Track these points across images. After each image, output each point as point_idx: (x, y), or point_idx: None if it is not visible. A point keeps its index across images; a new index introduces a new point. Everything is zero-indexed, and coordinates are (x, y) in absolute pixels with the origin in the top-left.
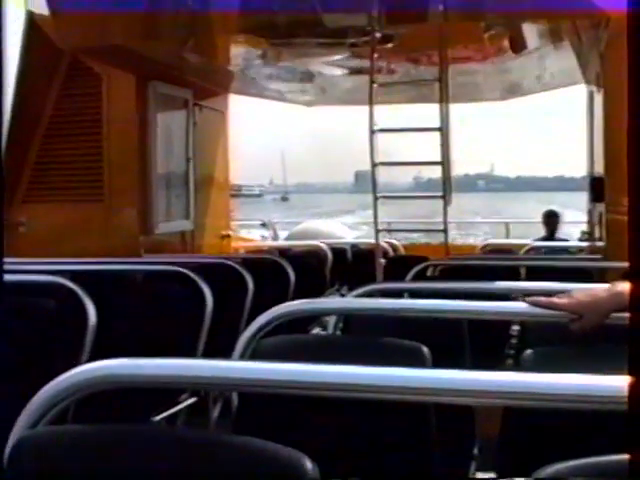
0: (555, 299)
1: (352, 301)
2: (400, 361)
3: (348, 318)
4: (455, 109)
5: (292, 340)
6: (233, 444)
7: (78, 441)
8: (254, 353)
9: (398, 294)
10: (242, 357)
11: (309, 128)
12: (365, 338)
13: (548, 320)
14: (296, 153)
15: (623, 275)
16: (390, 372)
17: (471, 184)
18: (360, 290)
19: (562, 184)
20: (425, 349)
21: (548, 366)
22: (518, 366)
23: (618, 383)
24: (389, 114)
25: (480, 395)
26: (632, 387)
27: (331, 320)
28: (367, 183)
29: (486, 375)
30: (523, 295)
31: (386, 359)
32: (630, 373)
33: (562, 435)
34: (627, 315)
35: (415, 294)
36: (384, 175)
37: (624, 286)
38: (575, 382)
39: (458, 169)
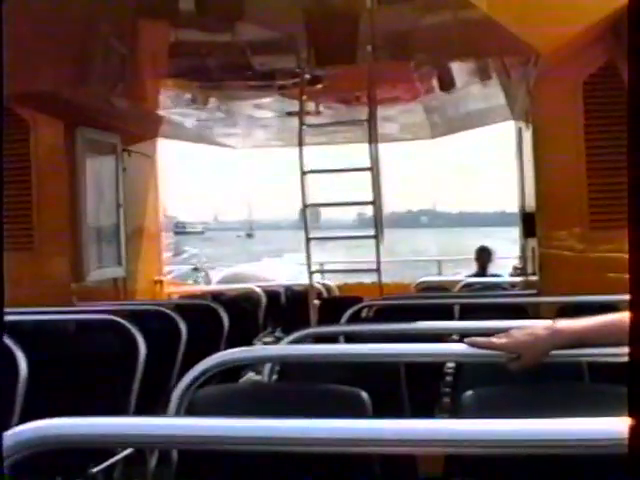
0: (493, 339)
1: (286, 348)
2: (340, 408)
3: (283, 364)
4: (390, 147)
5: (228, 390)
6: None
7: None
8: (190, 404)
9: (333, 337)
10: (178, 409)
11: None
12: (302, 385)
13: (487, 360)
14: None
15: (558, 310)
16: (330, 424)
17: (414, 220)
18: (294, 335)
19: (503, 219)
20: (364, 395)
21: (488, 408)
22: (458, 408)
23: (558, 426)
24: (323, 154)
25: (422, 444)
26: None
27: (266, 366)
28: (313, 220)
29: (427, 424)
30: (459, 334)
31: (325, 406)
32: (630, 415)
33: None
34: (565, 352)
35: (350, 337)
36: (327, 213)
37: (562, 324)
38: (514, 427)
39: (400, 205)
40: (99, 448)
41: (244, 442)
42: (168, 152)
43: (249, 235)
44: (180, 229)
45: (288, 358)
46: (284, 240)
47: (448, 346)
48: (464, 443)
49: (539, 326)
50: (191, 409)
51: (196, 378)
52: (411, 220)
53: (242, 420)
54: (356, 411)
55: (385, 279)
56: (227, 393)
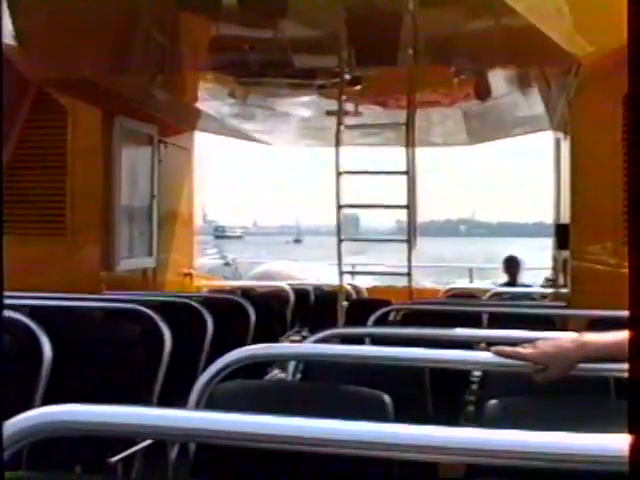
0: (520, 349)
1: (311, 346)
2: (361, 410)
3: (308, 363)
4: (428, 152)
5: (249, 386)
6: None
7: None
8: (210, 398)
9: (359, 339)
10: (198, 402)
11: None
12: (325, 385)
13: (512, 370)
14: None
15: (588, 324)
16: (351, 426)
17: (453, 229)
18: (320, 334)
19: (541, 230)
20: (387, 398)
21: (512, 418)
22: (482, 416)
23: (583, 440)
24: (361, 156)
25: (443, 452)
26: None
27: (290, 364)
28: (349, 226)
29: (450, 431)
30: (485, 343)
31: (347, 408)
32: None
33: None
34: (592, 366)
35: (376, 339)
36: (366, 218)
37: (590, 337)
38: (537, 439)
39: (440, 214)
40: (118, 437)
41: (260, 439)
42: (204, 144)
43: (297, 241)
44: (220, 233)
45: (311, 357)
46: (325, 246)
47: (474, 354)
48: (485, 453)
49: (566, 338)
50: (211, 403)
51: (218, 372)
52: (450, 229)
53: (259, 417)
54: (378, 414)
55: (417, 284)
56: (248, 389)
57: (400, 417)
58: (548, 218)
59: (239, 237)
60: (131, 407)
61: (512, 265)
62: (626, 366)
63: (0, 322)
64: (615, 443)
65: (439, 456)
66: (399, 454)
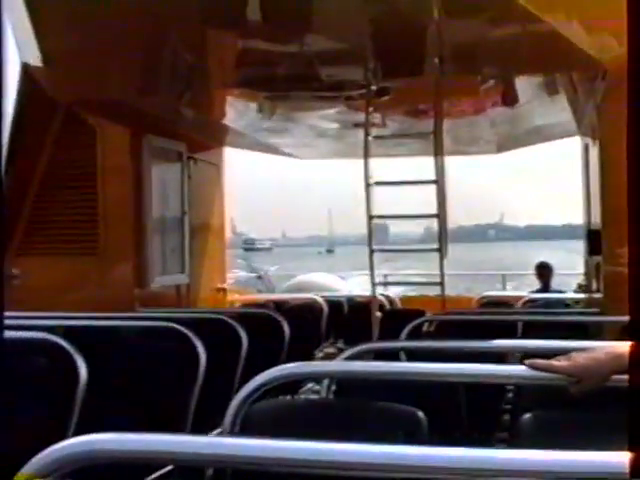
0: (554, 362)
1: (343, 364)
2: (395, 427)
3: (341, 378)
4: (457, 160)
5: (284, 405)
6: None
7: None
8: (246, 418)
9: (393, 353)
10: (233, 424)
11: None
12: (358, 402)
13: (547, 383)
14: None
15: (621, 330)
16: (385, 449)
17: (482, 233)
18: (354, 350)
19: (570, 232)
20: (421, 414)
21: (546, 432)
22: (516, 431)
23: (618, 459)
24: (388, 166)
25: (474, 474)
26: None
27: (324, 381)
28: (379, 234)
29: (484, 452)
30: (521, 354)
31: (380, 425)
32: (630, 446)
33: None
34: (625, 377)
35: (410, 352)
36: (395, 227)
37: (624, 347)
38: (577, 458)
39: (468, 219)
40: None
41: (292, 464)
42: (234, 161)
43: (329, 251)
44: (249, 245)
45: (345, 375)
46: (357, 255)
47: (507, 367)
48: (520, 473)
49: (600, 350)
50: (246, 423)
51: (251, 393)
52: (479, 234)
53: (289, 442)
54: (412, 431)
55: (449, 292)
56: (282, 408)
57: (434, 433)
58: (576, 220)
59: (268, 249)
60: (164, 435)
61: (544, 271)
62: None
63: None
64: (593, 459)
65: (470, 478)
66: (433, 476)
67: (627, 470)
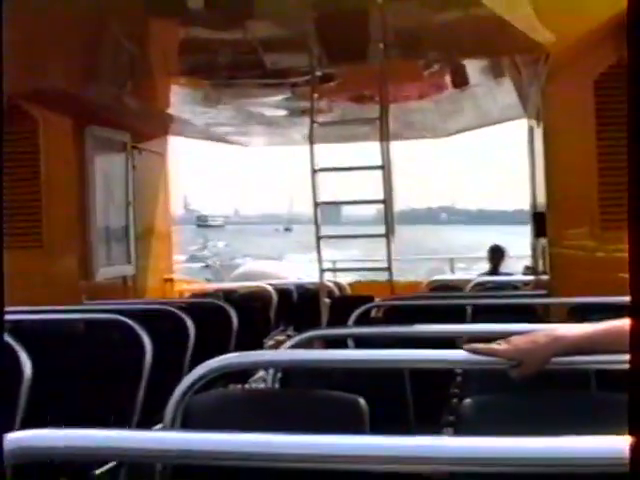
0: (494, 345)
1: (286, 353)
2: (338, 415)
3: (287, 367)
4: (405, 145)
5: (225, 396)
6: None
7: None
8: (187, 410)
9: (341, 339)
10: (174, 416)
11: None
12: (300, 392)
13: (488, 367)
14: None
15: (569, 311)
16: (323, 440)
17: (434, 216)
18: (300, 337)
19: (521, 217)
20: (362, 402)
21: (489, 417)
22: (458, 416)
23: (560, 444)
24: (337, 152)
25: (422, 462)
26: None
27: (270, 370)
28: (331, 215)
29: (419, 440)
30: (466, 339)
31: (322, 413)
32: (630, 428)
33: None
34: (570, 359)
35: (358, 339)
36: (347, 209)
37: (565, 330)
38: (515, 445)
39: (420, 202)
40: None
41: (230, 457)
42: (180, 149)
43: (287, 229)
44: (202, 222)
45: (287, 363)
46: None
47: (451, 352)
48: (462, 461)
49: (540, 333)
50: (188, 415)
51: (192, 384)
52: (431, 217)
53: (227, 435)
54: (353, 419)
55: (400, 277)
56: (224, 399)
57: (379, 420)
58: (526, 205)
59: (220, 226)
60: (105, 430)
61: (496, 255)
62: (605, 358)
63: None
64: (597, 444)
65: (411, 466)
66: (373, 466)
67: (626, 455)
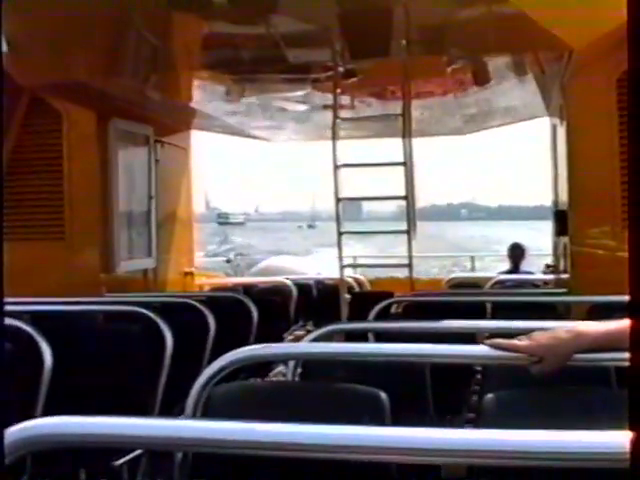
0: (515, 341)
1: (307, 345)
2: (358, 408)
3: (307, 361)
4: (428, 142)
5: (247, 387)
6: None
7: None
8: (208, 401)
9: (361, 333)
10: (196, 406)
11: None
12: (321, 384)
13: (509, 363)
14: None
15: (589, 309)
16: (343, 430)
17: (454, 213)
18: (321, 331)
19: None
20: (383, 395)
21: (509, 412)
22: (480, 411)
23: (581, 437)
24: (359, 148)
25: (441, 454)
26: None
27: (290, 363)
28: (352, 211)
29: (441, 433)
30: (487, 335)
31: (343, 407)
32: (631, 425)
33: None
34: (590, 356)
35: (378, 334)
36: (368, 205)
37: (587, 327)
38: (536, 438)
39: (441, 199)
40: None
41: (252, 446)
42: (203, 144)
43: (310, 226)
44: (223, 219)
45: (307, 356)
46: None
47: (471, 348)
48: (480, 454)
49: (562, 329)
50: (208, 406)
51: (214, 375)
52: (452, 213)
53: (249, 424)
54: (374, 412)
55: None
56: (245, 391)
57: (399, 414)
58: (547, 201)
59: (241, 223)
60: (126, 418)
61: (517, 252)
62: (626, 355)
63: (1, 327)
64: (614, 439)
65: (430, 458)
66: (393, 457)
67: (627, 450)
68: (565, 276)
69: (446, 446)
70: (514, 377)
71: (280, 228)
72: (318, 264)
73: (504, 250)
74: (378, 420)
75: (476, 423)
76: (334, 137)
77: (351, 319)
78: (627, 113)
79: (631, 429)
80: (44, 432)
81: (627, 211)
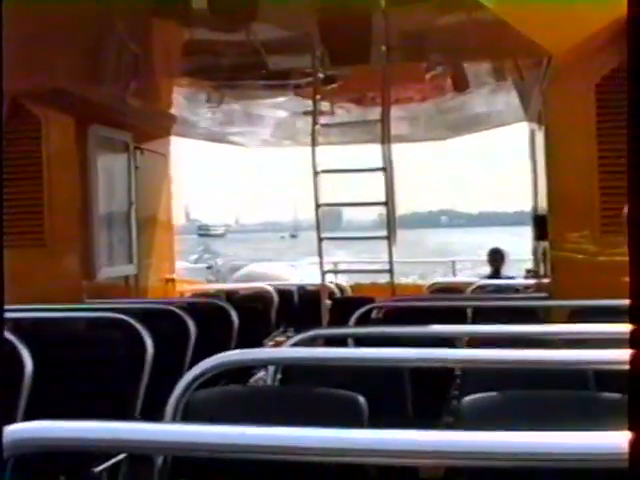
0: None
1: (286, 351)
2: (337, 413)
3: (287, 366)
4: (407, 148)
5: (226, 392)
6: None
7: None
8: (187, 406)
9: (342, 338)
10: (175, 411)
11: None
12: (300, 389)
13: (488, 367)
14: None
15: (569, 314)
16: (322, 433)
17: (434, 220)
18: (300, 336)
19: (522, 218)
20: (362, 400)
21: (488, 415)
22: (458, 414)
23: (558, 439)
24: (339, 154)
25: (418, 455)
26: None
27: (270, 368)
28: (332, 220)
29: (418, 435)
30: (467, 340)
31: (322, 411)
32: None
33: None
34: (571, 360)
35: (359, 339)
36: (348, 213)
37: None
38: (514, 440)
39: (421, 206)
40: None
41: (229, 450)
42: (182, 151)
43: (293, 236)
44: (203, 231)
45: (288, 361)
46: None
47: (448, 351)
48: (457, 455)
49: None
50: (188, 411)
51: (193, 380)
52: (432, 220)
53: (227, 427)
54: (352, 416)
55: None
56: (224, 396)
57: (378, 418)
58: (527, 207)
59: (221, 235)
60: (106, 422)
61: (497, 257)
62: (604, 358)
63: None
64: (591, 440)
65: (408, 460)
66: (371, 459)
67: (626, 451)
68: (545, 281)
69: (423, 447)
70: (493, 381)
71: (262, 238)
72: (301, 271)
73: (484, 254)
74: (356, 424)
75: (455, 426)
76: (314, 143)
77: (332, 325)
78: (627, 113)
79: (631, 429)
80: (25, 436)
81: (628, 215)
